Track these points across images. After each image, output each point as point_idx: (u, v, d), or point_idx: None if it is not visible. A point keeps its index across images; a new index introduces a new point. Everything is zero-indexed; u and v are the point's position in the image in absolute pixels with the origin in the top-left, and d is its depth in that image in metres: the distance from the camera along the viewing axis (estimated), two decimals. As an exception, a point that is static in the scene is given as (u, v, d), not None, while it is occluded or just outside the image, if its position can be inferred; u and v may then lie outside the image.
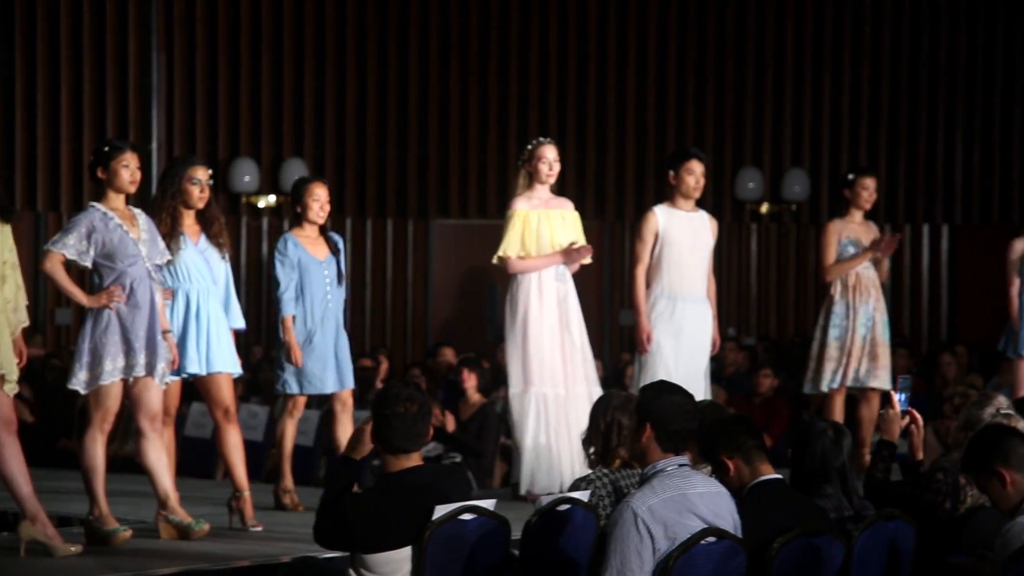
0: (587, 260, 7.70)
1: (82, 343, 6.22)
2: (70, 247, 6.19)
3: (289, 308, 7.17)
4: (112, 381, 6.17)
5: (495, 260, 7.72)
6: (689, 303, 7.89)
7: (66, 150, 13.14)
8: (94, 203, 6.30)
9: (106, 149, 6.32)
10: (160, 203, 6.68)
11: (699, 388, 7.65)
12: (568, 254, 7.63)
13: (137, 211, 6.38)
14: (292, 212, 7.37)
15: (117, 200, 6.29)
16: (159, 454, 6.33)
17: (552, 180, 7.68)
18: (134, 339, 6.18)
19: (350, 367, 7.35)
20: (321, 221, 7.30)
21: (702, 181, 7.89)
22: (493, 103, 14.13)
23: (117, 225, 6.23)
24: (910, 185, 14.96)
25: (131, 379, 6.22)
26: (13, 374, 5.84)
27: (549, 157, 7.64)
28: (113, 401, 6.20)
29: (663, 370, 7.68)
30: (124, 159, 6.27)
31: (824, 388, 8.43)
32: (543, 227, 7.63)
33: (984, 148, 15.00)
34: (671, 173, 7.92)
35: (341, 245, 7.39)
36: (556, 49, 14.25)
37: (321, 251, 7.28)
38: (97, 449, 6.21)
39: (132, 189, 6.32)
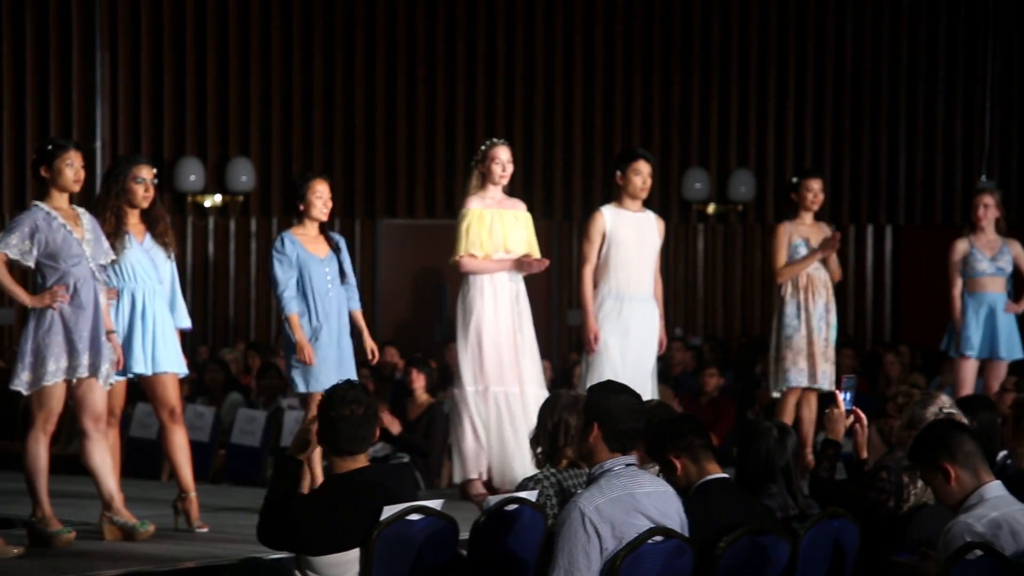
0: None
1: (25, 344, 6.15)
2: (13, 247, 6.13)
3: (292, 306, 7.11)
4: (55, 382, 6.11)
5: (455, 259, 7.70)
6: (636, 303, 7.92)
7: (8, 149, 13.00)
8: (37, 202, 6.24)
9: (50, 148, 6.26)
10: (104, 202, 6.62)
11: (646, 388, 7.67)
12: (521, 264, 7.65)
13: (81, 210, 6.33)
14: (293, 210, 7.32)
15: (61, 199, 6.24)
16: (103, 455, 6.28)
17: (505, 181, 7.69)
18: (77, 340, 6.13)
19: (352, 366, 7.30)
20: (324, 218, 7.25)
21: (649, 181, 7.92)
22: (441, 103, 14.11)
23: (61, 225, 6.18)
24: (854, 186, 15.10)
25: (74, 380, 6.17)
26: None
27: (503, 158, 7.65)
28: (56, 402, 6.15)
29: (610, 370, 7.70)
30: (68, 158, 6.23)
31: (785, 387, 8.46)
32: (496, 226, 7.64)
33: (927, 150, 15.16)
34: (618, 173, 7.94)
35: (343, 244, 7.33)
36: (504, 50, 14.26)
37: (321, 249, 7.23)
38: (40, 450, 6.15)
39: (76, 188, 6.28)
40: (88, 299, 6.17)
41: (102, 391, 6.24)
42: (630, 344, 7.86)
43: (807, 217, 8.60)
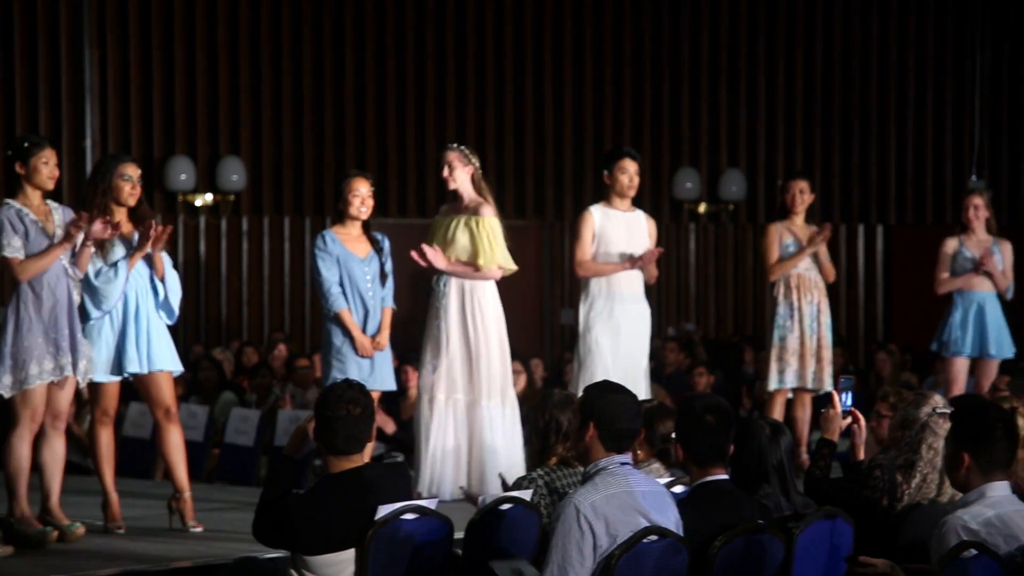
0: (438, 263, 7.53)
1: (3, 346, 6.13)
2: (16, 247, 6.14)
3: (340, 302, 7.08)
4: (39, 384, 6.09)
5: None
6: (628, 303, 7.91)
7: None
8: (8, 200, 6.23)
9: (26, 145, 6.26)
10: (92, 200, 6.58)
11: (639, 387, 7.66)
12: (453, 270, 7.53)
13: (54, 205, 6.33)
14: (334, 208, 7.28)
15: (34, 196, 6.24)
16: (53, 454, 6.27)
17: (453, 186, 7.59)
18: (60, 339, 6.12)
19: (390, 368, 7.28)
20: (363, 217, 7.23)
21: (636, 179, 7.90)
22: (431, 102, 14.11)
23: (33, 222, 6.18)
24: (845, 185, 15.13)
25: (57, 380, 6.16)
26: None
27: (449, 159, 7.60)
28: (41, 400, 6.14)
29: (602, 369, 7.69)
30: (44, 155, 6.23)
31: (771, 388, 8.49)
32: (435, 233, 7.63)
33: (917, 149, 15.20)
34: (605, 172, 7.95)
35: (387, 245, 7.30)
36: (493, 48, 14.27)
37: (362, 248, 7.21)
38: (24, 449, 6.15)
39: (51, 186, 6.28)
40: (62, 296, 6.17)
41: (70, 390, 6.24)
42: (621, 343, 7.85)
43: (797, 218, 8.62)
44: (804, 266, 8.55)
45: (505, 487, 5.11)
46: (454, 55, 14.16)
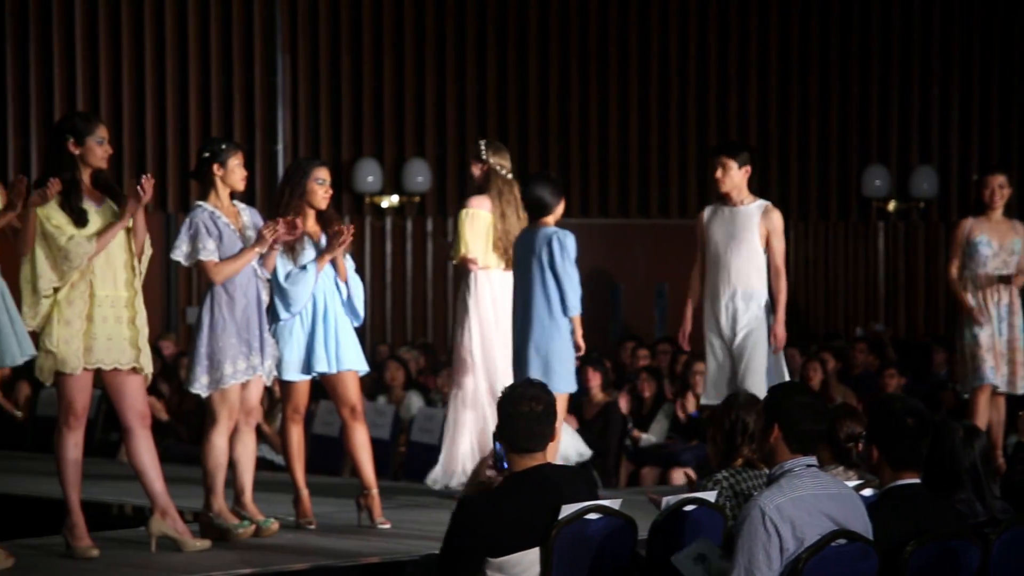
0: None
1: (200, 346, 6.29)
2: (211, 251, 6.31)
3: (580, 306, 7.06)
4: (234, 384, 6.25)
5: None
6: (725, 299, 7.65)
7: (195, 152, 13.36)
8: (200, 202, 6.40)
9: (223, 147, 6.42)
10: (287, 203, 6.70)
11: (752, 384, 7.32)
12: None
13: (242, 206, 6.48)
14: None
15: (224, 197, 6.40)
16: (245, 448, 6.41)
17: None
18: (252, 339, 6.27)
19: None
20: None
21: (721, 172, 7.55)
22: (613, 103, 14.11)
23: (225, 224, 6.34)
24: (1043, 181, 14.63)
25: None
26: (148, 368, 5.97)
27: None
28: (236, 398, 6.30)
29: (712, 365, 7.50)
30: (238, 157, 6.40)
31: (970, 386, 8.23)
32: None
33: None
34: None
35: None
36: (676, 52, 14.19)
37: None
38: (223, 444, 6.31)
39: (243, 186, 6.46)
40: (252, 296, 6.32)
41: (259, 386, 6.38)
42: (730, 342, 7.60)
43: (994, 214, 8.34)
44: (994, 265, 8.27)
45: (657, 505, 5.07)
46: (637, 57, 14.12)
